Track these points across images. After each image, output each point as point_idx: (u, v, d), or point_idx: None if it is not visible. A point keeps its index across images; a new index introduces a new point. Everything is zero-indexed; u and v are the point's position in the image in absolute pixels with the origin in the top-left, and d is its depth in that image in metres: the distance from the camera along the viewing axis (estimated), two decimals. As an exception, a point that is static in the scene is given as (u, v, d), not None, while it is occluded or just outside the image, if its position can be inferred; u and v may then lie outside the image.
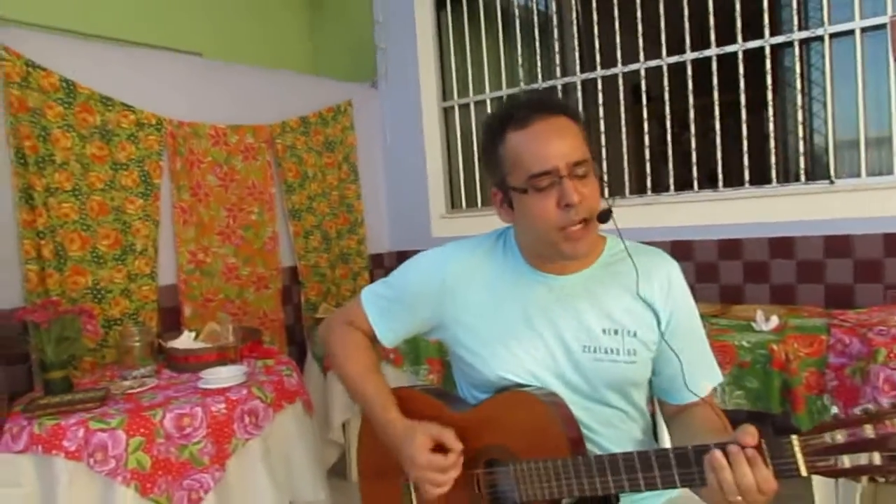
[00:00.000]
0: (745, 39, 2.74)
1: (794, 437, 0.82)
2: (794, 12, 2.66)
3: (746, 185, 2.79)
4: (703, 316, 2.34)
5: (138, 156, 2.62)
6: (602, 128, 3.16)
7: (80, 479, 1.63)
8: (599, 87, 3.15)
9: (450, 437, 1.09)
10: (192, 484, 1.71)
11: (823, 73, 2.64)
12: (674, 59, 2.92)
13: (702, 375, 1.17)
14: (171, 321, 2.72)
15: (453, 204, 3.75)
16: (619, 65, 3.08)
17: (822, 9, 2.58)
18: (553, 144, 1.05)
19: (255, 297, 3.04)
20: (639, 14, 2.96)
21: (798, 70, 2.67)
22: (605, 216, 1.08)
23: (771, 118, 2.75)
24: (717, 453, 0.86)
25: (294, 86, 3.38)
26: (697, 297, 2.67)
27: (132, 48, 2.82)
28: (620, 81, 3.11)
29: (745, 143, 2.79)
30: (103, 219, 2.49)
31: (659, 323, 1.14)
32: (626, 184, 3.15)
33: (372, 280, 3.64)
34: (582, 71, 3.24)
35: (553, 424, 1.04)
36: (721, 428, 1.05)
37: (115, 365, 2.29)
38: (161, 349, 2.30)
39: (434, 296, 1.21)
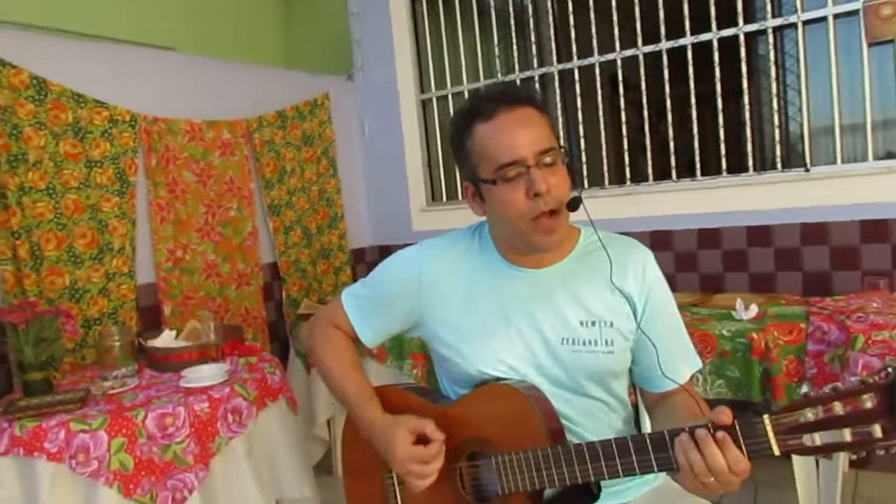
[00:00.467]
0: (719, 28, 2.76)
1: (766, 417, 0.84)
2: (768, 0, 2.68)
3: (724, 173, 2.82)
4: (683, 305, 2.38)
5: (113, 153, 2.58)
6: (580, 118, 3.17)
7: (63, 480, 1.62)
8: (576, 77, 3.16)
9: (430, 428, 1.10)
10: (176, 484, 1.70)
11: (797, 60, 2.67)
12: (649, 48, 2.93)
13: (680, 362, 1.18)
14: (152, 320, 2.69)
15: (433, 197, 3.74)
16: (596, 55, 3.09)
17: (795, -4, 2.61)
18: (519, 134, 1.06)
19: (236, 294, 3.01)
20: (614, 4, 2.97)
21: (772, 58, 2.70)
22: (574, 204, 1.08)
23: (746, 106, 2.78)
24: (685, 435, 0.88)
25: (270, 80, 3.35)
26: (677, 287, 2.72)
27: (104, 43, 2.77)
28: (597, 71, 3.12)
29: (721, 131, 2.81)
30: (79, 217, 2.45)
31: (635, 312, 1.16)
32: (605, 174, 3.17)
33: (354, 275, 3.63)
34: (559, 61, 3.24)
35: (533, 416, 1.05)
36: (699, 414, 1.07)
37: (96, 365, 2.26)
38: (142, 348, 2.27)
39: (412, 294, 1.21)
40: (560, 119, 3.25)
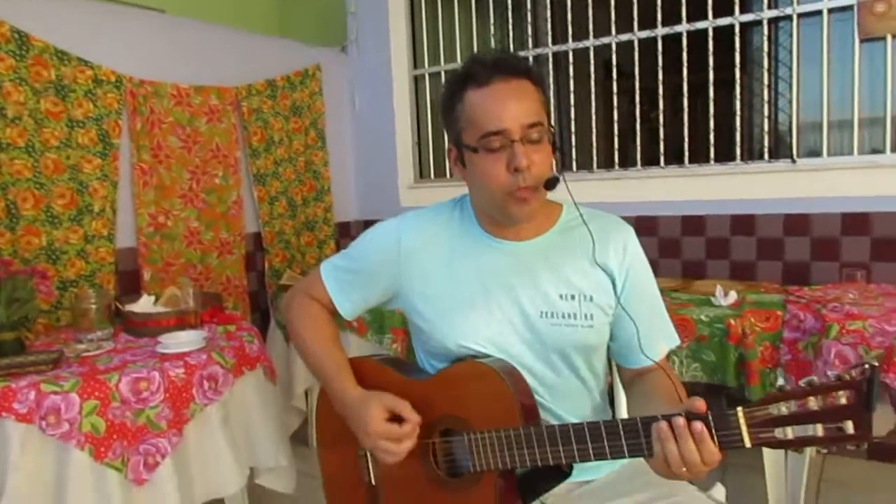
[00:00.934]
0: (715, 16, 2.75)
1: (740, 409, 0.84)
2: (765, -9, 2.68)
3: (712, 161, 2.83)
4: (664, 290, 2.38)
5: (96, 113, 2.53)
6: (572, 101, 3.16)
7: (33, 442, 1.59)
8: (571, 59, 3.14)
9: (406, 408, 1.09)
10: (148, 448, 1.69)
11: (790, 52, 2.67)
12: (645, 33, 2.92)
13: (658, 338, 1.19)
14: (130, 285, 2.66)
15: (422, 174, 3.72)
16: (592, 38, 3.07)
17: (792, -12, 2.60)
18: (509, 105, 1.05)
19: (217, 262, 2.99)
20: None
21: (766, 49, 2.69)
22: (551, 184, 1.08)
23: (738, 96, 2.78)
24: (664, 424, 0.88)
25: (261, 47, 3.29)
26: (660, 272, 2.73)
27: (91, 2, 2.70)
28: (591, 55, 3.10)
29: (711, 120, 2.81)
30: (58, 177, 2.41)
31: (615, 287, 1.16)
32: (594, 158, 3.16)
33: (338, 248, 3.61)
34: (554, 43, 3.21)
35: (507, 395, 1.05)
36: (675, 396, 1.07)
37: (71, 328, 2.23)
38: (119, 313, 2.25)
39: (391, 265, 1.20)
40: (552, 101, 3.23)
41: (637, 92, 2.97)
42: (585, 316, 1.14)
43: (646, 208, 2.89)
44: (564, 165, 3.34)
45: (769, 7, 2.66)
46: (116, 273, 2.60)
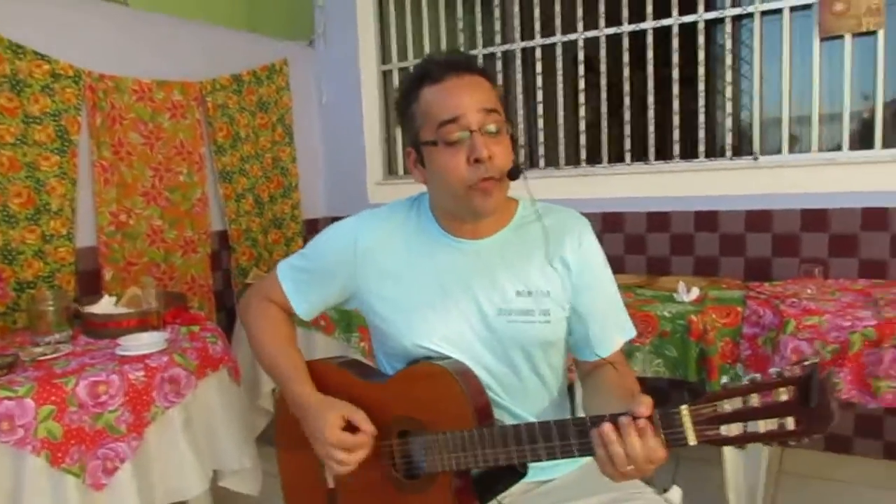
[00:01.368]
0: (680, 14, 2.77)
1: (684, 408, 0.85)
2: (728, -12, 2.70)
3: (677, 158, 2.86)
4: (629, 287, 2.42)
5: (53, 109, 2.46)
6: (539, 97, 3.16)
7: (-14, 449, 1.56)
8: (538, 55, 3.14)
9: (362, 419, 1.09)
10: (107, 453, 1.66)
11: (752, 50, 2.71)
12: (611, 30, 2.93)
13: (614, 331, 1.20)
14: (91, 285, 2.61)
15: (390, 170, 3.70)
16: (559, 34, 3.07)
17: (754, -14, 2.63)
18: (465, 96, 1.06)
19: (182, 261, 2.94)
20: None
21: (729, 46, 2.72)
22: (514, 173, 1.07)
23: (701, 93, 2.81)
24: (606, 426, 0.89)
25: (226, 42, 3.24)
26: (625, 269, 2.76)
27: (47, -7, 2.63)
28: (559, 51, 3.10)
29: (675, 117, 2.84)
30: (14, 175, 2.34)
31: (571, 281, 1.16)
32: (561, 154, 3.17)
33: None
34: (522, 39, 3.21)
35: (460, 396, 1.05)
36: (627, 392, 1.08)
37: (27, 330, 2.18)
38: (78, 314, 2.20)
39: (348, 265, 1.20)
40: (520, 97, 3.24)
41: (604, 89, 2.99)
42: (542, 312, 1.14)
43: (612, 205, 2.91)
44: (532, 162, 3.35)
45: (733, 5, 2.70)
46: (76, 273, 2.54)
